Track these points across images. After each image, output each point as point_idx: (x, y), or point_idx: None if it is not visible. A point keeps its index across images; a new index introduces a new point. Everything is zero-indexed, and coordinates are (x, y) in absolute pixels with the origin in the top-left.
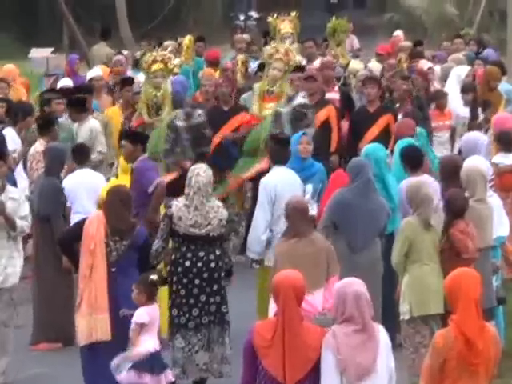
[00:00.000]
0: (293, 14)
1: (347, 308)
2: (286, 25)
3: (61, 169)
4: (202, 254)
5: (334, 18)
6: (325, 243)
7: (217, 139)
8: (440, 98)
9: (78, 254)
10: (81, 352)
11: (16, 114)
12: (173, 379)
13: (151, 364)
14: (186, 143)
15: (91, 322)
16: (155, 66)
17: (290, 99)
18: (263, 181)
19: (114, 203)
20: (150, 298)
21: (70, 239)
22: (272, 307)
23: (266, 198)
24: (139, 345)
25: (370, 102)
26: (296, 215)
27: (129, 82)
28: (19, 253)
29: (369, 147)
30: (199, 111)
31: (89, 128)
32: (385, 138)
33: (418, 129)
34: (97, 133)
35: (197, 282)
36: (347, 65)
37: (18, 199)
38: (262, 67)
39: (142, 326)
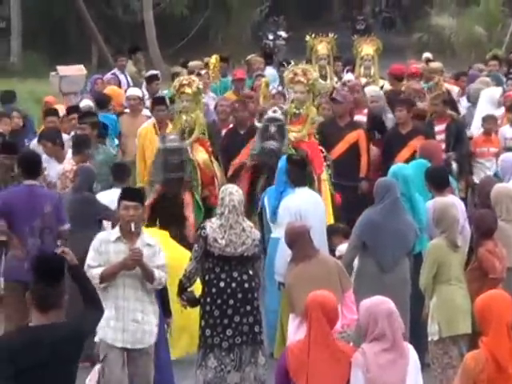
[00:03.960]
0: (330, 35)
1: (379, 326)
2: (323, 46)
3: (90, 188)
4: (235, 274)
5: (360, 39)
6: (333, 260)
7: (236, 163)
8: (488, 123)
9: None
10: None
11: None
12: None
13: None
14: (157, 166)
15: None
16: (182, 90)
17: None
18: (285, 204)
19: None
20: None
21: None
22: (291, 328)
23: (290, 219)
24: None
25: (401, 124)
26: (298, 239)
27: (160, 101)
28: (154, 307)
29: (395, 166)
30: (173, 135)
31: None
32: None
33: None
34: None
35: (231, 302)
36: (382, 87)
37: (154, 246)
38: None
39: None
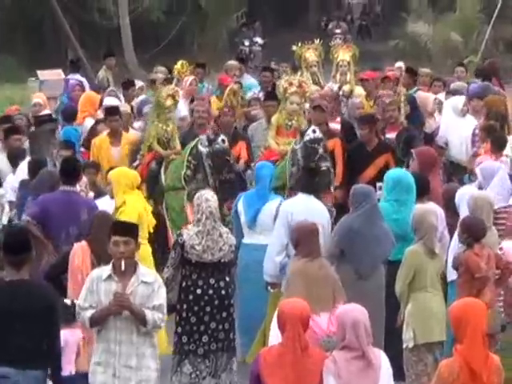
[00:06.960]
0: (316, 41)
1: (346, 335)
2: (311, 53)
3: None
4: (212, 281)
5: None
6: (331, 268)
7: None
8: (492, 134)
9: (66, 287)
10: None
11: None
12: None
13: None
14: (208, 170)
15: (86, 353)
16: (169, 102)
17: (302, 134)
18: (281, 206)
19: (101, 229)
20: (67, 322)
21: (56, 272)
22: (272, 334)
23: (281, 222)
24: None
25: (365, 141)
26: (307, 236)
27: (113, 111)
28: (153, 350)
29: (399, 172)
30: (222, 137)
31: None
32: (383, 179)
33: None
34: None
35: (208, 309)
36: (351, 91)
37: (152, 284)
38: (270, 96)
39: None
